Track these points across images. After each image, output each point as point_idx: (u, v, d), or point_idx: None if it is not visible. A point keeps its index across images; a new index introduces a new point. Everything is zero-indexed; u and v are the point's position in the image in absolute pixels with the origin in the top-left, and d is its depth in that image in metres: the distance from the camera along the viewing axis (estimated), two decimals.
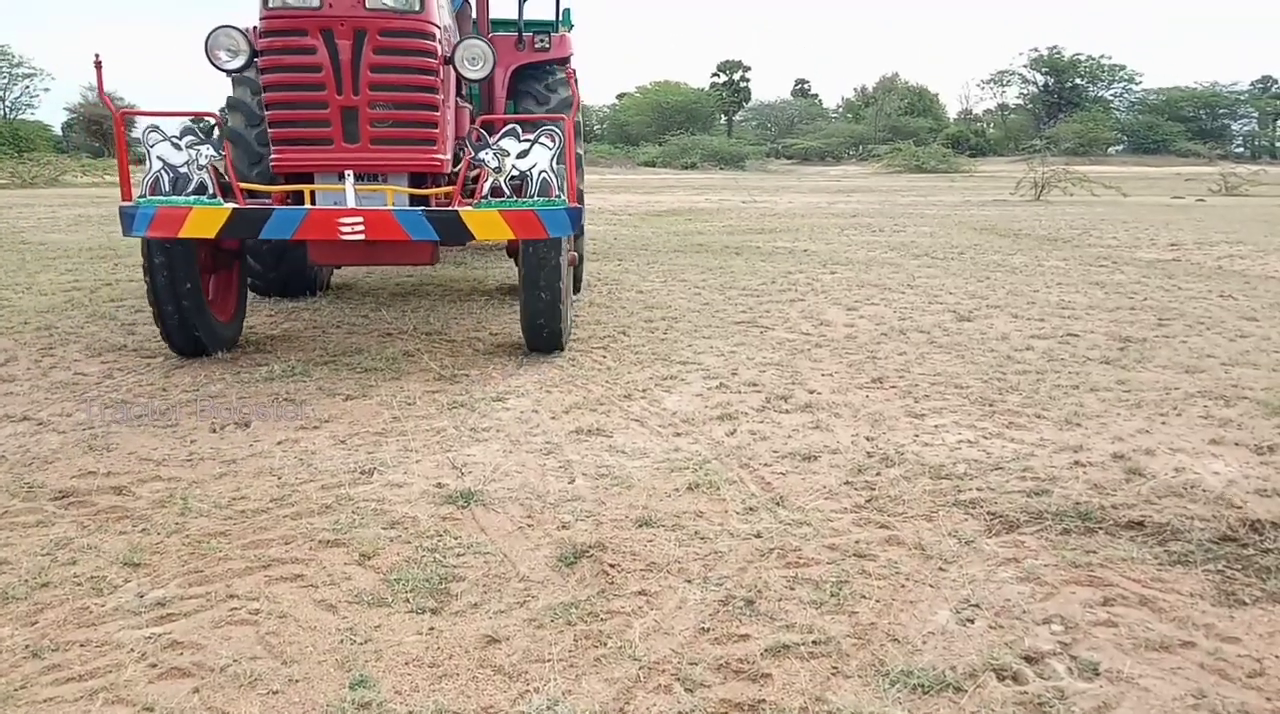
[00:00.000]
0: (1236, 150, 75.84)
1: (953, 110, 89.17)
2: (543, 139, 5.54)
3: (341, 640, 2.68)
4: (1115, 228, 15.93)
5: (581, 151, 8.01)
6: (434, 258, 6.26)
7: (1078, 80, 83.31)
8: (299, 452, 4.27)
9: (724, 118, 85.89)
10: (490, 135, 5.58)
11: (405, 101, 5.64)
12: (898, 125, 73.07)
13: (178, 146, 5.41)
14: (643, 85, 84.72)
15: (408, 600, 2.90)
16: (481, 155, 5.54)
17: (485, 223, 5.43)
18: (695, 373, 5.70)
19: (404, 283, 9.34)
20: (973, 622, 2.80)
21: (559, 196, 5.55)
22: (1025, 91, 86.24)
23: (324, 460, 4.15)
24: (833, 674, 2.53)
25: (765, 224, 16.70)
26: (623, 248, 12.62)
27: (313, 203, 5.60)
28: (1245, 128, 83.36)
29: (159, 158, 5.41)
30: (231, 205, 5.40)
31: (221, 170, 5.54)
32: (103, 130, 62.28)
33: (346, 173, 5.51)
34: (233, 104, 7.25)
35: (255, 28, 5.70)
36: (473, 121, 6.39)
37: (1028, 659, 2.60)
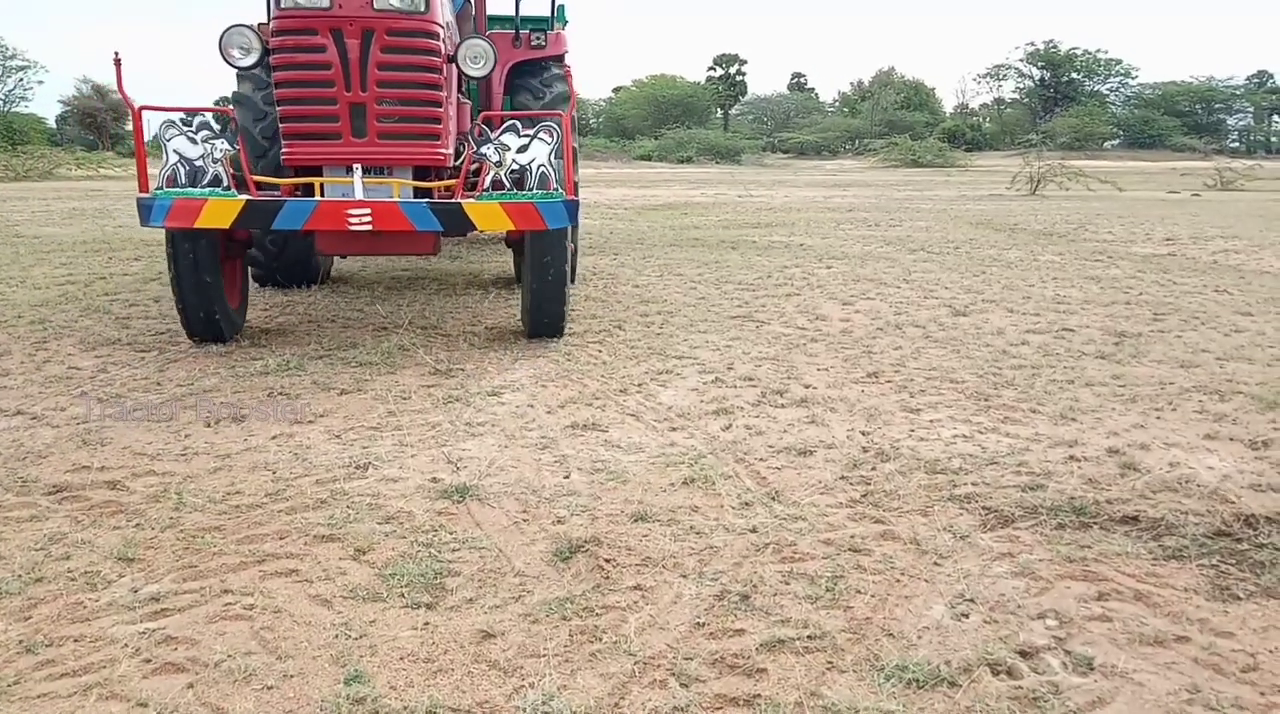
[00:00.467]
0: (1232, 145, 75.99)
1: (949, 105, 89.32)
2: (541, 135, 5.79)
3: (336, 636, 2.68)
4: (1111, 222, 15.94)
5: (577, 145, 8.22)
6: (436, 248, 6.48)
7: (1074, 74, 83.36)
8: (294, 446, 4.26)
9: (720, 112, 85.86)
10: (491, 131, 5.84)
11: (410, 98, 5.91)
12: (894, 119, 73.07)
13: (193, 141, 5.63)
14: (639, 79, 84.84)
15: (403, 595, 2.90)
16: (483, 150, 5.79)
17: (487, 214, 5.64)
18: (691, 367, 5.69)
19: (399, 277, 9.33)
20: (967, 616, 2.80)
21: (557, 190, 5.81)
22: (1021, 86, 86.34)
23: (319, 455, 4.15)
24: (828, 669, 2.53)
25: (761, 218, 16.69)
26: (618, 242, 12.61)
27: (322, 195, 5.84)
28: (1241, 122, 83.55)
29: (175, 152, 5.62)
30: (245, 197, 5.61)
31: (235, 164, 5.78)
32: (96, 123, 62.18)
33: (355, 166, 5.75)
34: (238, 99, 7.42)
35: (262, 24, 6.00)
36: (472, 117, 6.67)
37: (1022, 654, 2.60)
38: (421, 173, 6.24)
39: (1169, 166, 47.88)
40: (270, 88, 6.37)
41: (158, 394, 5.09)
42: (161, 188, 5.61)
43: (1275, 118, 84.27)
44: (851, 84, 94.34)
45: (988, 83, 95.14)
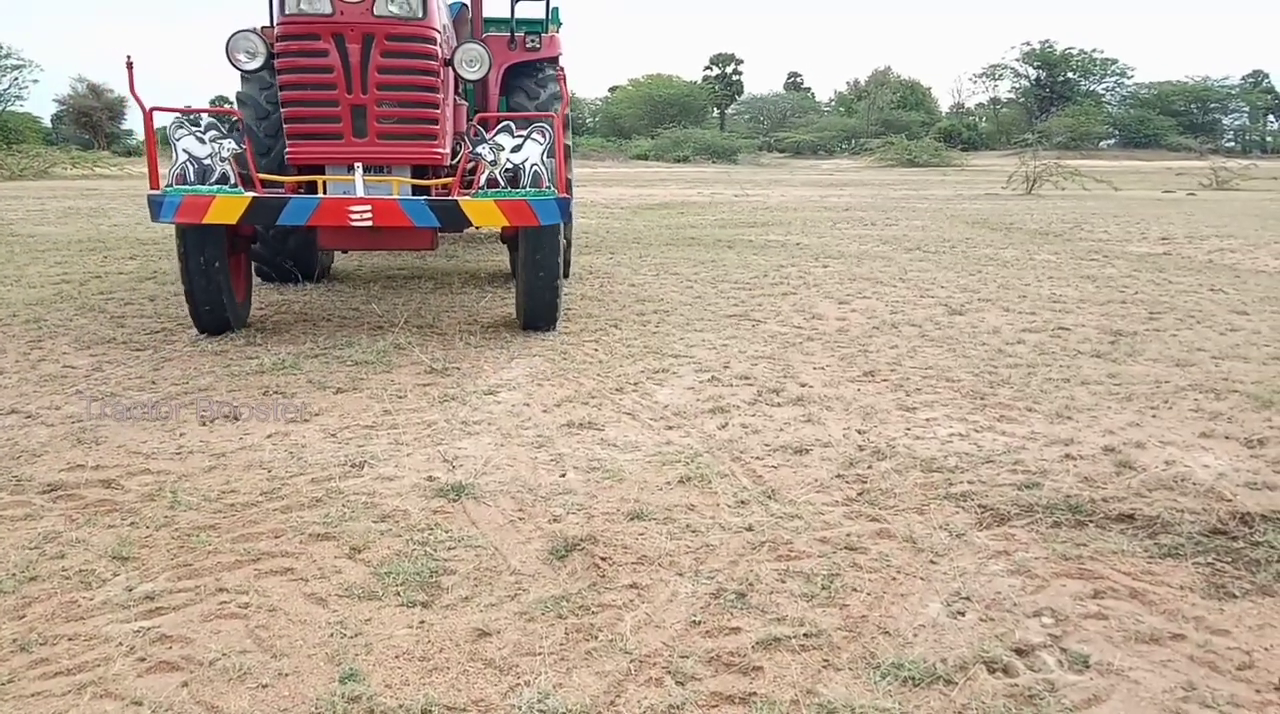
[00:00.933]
0: (1227, 144, 76.13)
1: (945, 104, 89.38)
2: (534, 135, 6.07)
3: (331, 634, 2.67)
4: (1106, 222, 15.95)
5: (569, 143, 8.53)
6: (434, 243, 6.78)
7: (1070, 74, 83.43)
8: (289, 445, 4.25)
9: (716, 111, 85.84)
10: (486, 131, 6.10)
11: (409, 100, 6.18)
12: (890, 119, 73.10)
13: (202, 140, 5.89)
14: (635, 78, 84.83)
15: (398, 594, 2.90)
16: (479, 149, 6.06)
17: (482, 211, 5.90)
18: (687, 366, 5.69)
19: (395, 276, 9.32)
20: (963, 614, 2.80)
21: (549, 188, 6.07)
22: (1017, 85, 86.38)
23: (314, 453, 4.14)
24: (824, 667, 2.53)
25: (757, 217, 16.69)
26: (615, 241, 12.61)
27: (325, 192, 6.09)
28: (1236, 122, 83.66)
29: (185, 150, 5.88)
30: (252, 194, 5.86)
31: (242, 162, 6.03)
32: (92, 122, 62.04)
33: (356, 165, 6.03)
34: (241, 99, 7.61)
35: (265, 28, 6.38)
36: (469, 118, 6.90)
37: (1018, 651, 2.60)
38: (420, 171, 6.48)
39: (1164, 166, 47.94)
40: (273, 89, 6.71)
41: (153, 393, 5.08)
42: (171, 185, 5.86)
43: (1271, 117, 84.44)
44: (848, 83, 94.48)
45: (984, 82, 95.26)
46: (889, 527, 3.41)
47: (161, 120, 6.28)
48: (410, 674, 2.49)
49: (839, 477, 3.90)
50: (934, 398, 5.06)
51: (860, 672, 2.51)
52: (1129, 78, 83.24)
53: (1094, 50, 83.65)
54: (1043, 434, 4.44)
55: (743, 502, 3.63)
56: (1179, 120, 75.96)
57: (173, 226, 5.99)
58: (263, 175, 6.27)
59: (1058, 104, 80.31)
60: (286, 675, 2.47)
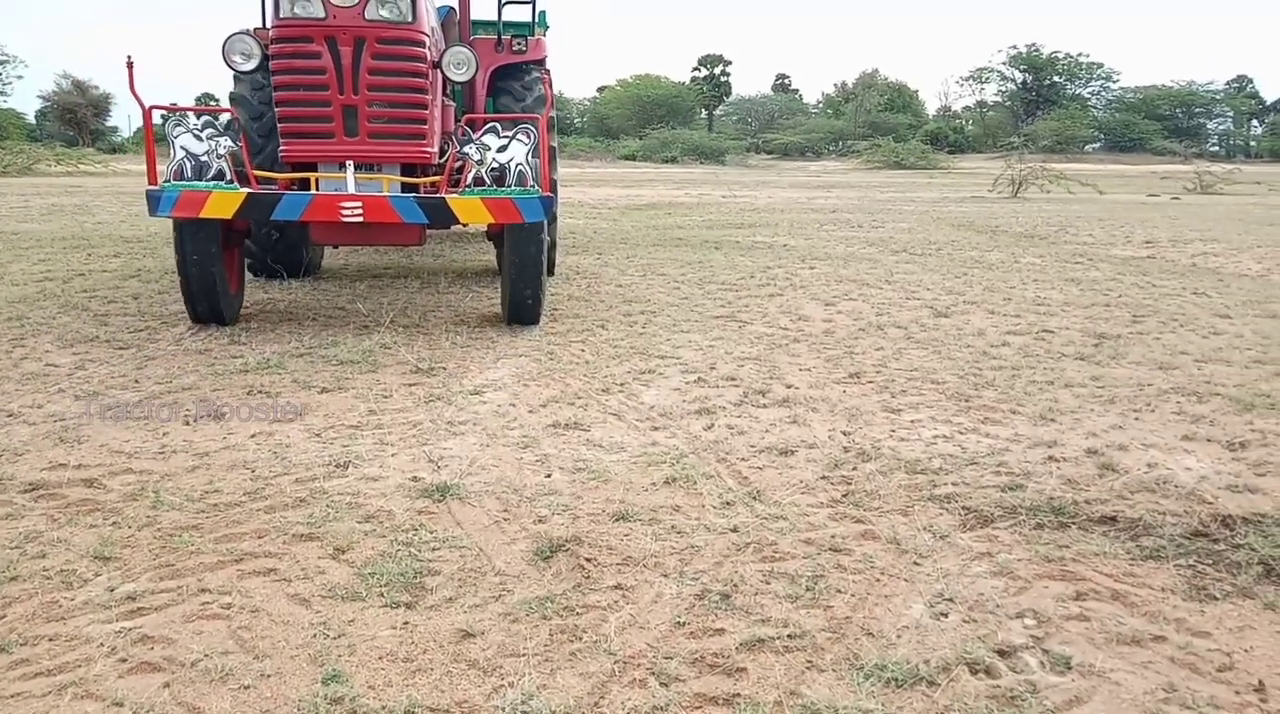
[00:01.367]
0: (1212, 149, 76.51)
1: (932, 107, 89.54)
2: (519, 136, 6.29)
3: (314, 635, 2.66)
4: (1091, 225, 16.04)
5: (555, 144, 8.71)
6: (422, 239, 6.93)
7: (1056, 78, 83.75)
8: (273, 445, 4.23)
9: (704, 112, 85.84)
10: (474, 132, 6.32)
11: (398, 101, 6.39)
12: (877, 121, 73.25)
13: (199, 138, 6.11)
14: (623, 78, 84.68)
15: (382, 595, 2.89)
16: (466, 149, 6.27)
17: (468, 208, 6.17)
18: (673, 367, 5.70)
19: (382, 275, 9.30)
20: (946, 616, 2.81)
21: (533, 186, 6.30)
22: (1004, 89, 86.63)
23: (298, 453, 4.12)
24: (807, 668, 2.53)
25: (745, 219, 16.71)
26: (602, 241, 12.60)
27: (317, 189, 6.35)
28: (1221, 127, 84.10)
29: (182, 148, 6.09)
30: (247, 190, 6.10)
31: (237, 159, 6.25)
32: (76, 119, 61.62)
33: (347, 163, 6.29)
34: (235, 99, 7.81)
35: (259, 29, 6.66)
36: (457, 118, 7.14)
37: (1000, 653, 2.61)
38: (409, 170, 6.69)
39: (1149, 170, 48.18)
40: (265, 88, 6.99)
41: (136, 392, 5.05)
42: (169, 181, 6.08)
43: (1254, 122, 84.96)
44: (835, 86, 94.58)
45: (970, 85, 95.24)
46: (873, 528, 3.42)
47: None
48: (394, 675, 2.48)
49: (824, 478, 3.91)
50: (919, 400, 5.08)
51: (844, 673, 2.51)
52: (1115, 82, 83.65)
53: (1080, 54, 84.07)
54: (1026, 436, 4.46)
55: (728, 503, 3.63)
56: (1164, 125, 76.32)
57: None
58: (257, 172, 6.48)
59: (1044, 107, 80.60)
60: (269, 676, 2.46)
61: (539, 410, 4.81)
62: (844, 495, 3.73)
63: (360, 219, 6.05)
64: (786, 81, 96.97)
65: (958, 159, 60.40)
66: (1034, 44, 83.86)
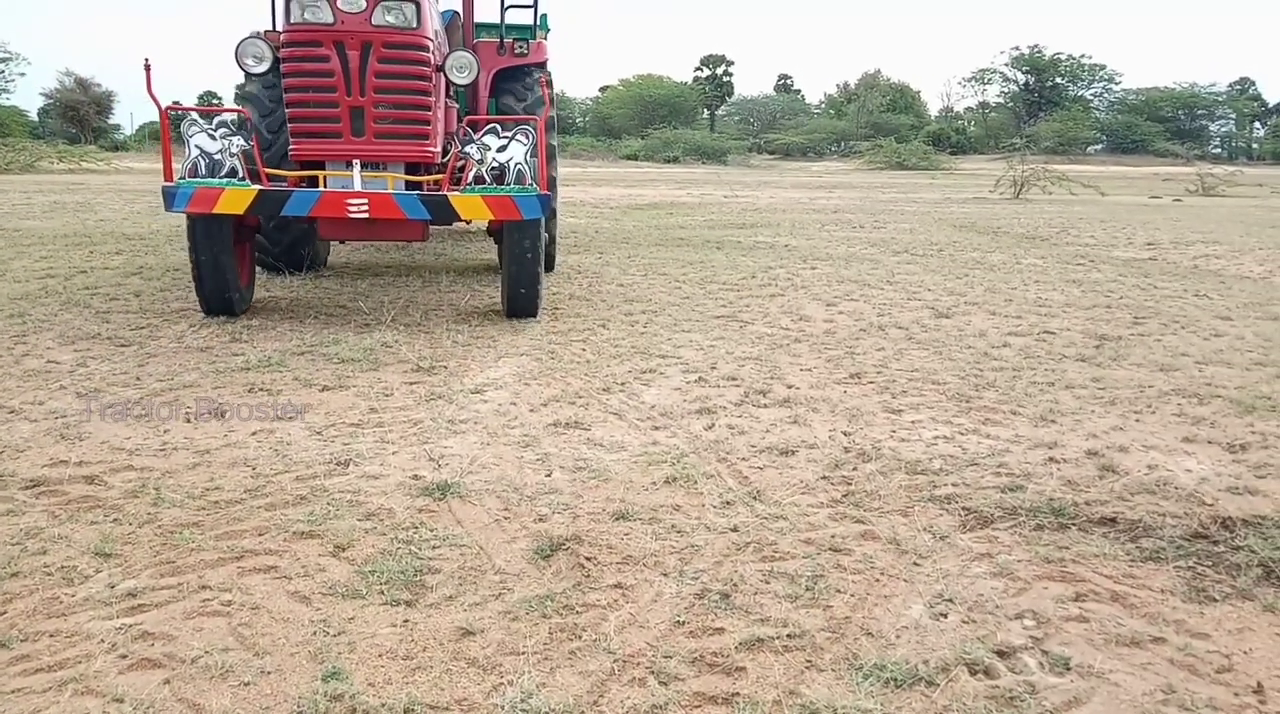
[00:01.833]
0: (1214, 151, 76.50)
1: (934, 108, 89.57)
2: (519, 136, 6.58)
3: (315, 632, 2.66)
4: (1093, 226, 16.03)
5: (555, 142, 9.02)
6: (425, 235, 7.32)
7: (1058, 79, 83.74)
8: (274, 442, 4.24)
9: (706, 112, 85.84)
10: (475, 132, 6.60)
11: (403, 103, 6.66)
12: (879, 122, 73.22)
13: (213, 137, 6.38)
14: (625, 78, 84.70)
15: (382, 592, 2.89)
16: (467, 149, 6.55)
17: (469, 205, 6.45)
18: (674, 367, 5.70)
19: (383, 273, 9.30)
20: (946, 616, 2.81)
21: (532, 185, 6.57)
22: (1006, 90, 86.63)
23: (299, 451, 4.13)
24: (806, 668, 2.54)
25: (746, 219, 16.71)
26: (604, 241, 12.61)
27: (325, 186, 6.60)
28: (1223, 129, 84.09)
29: (197, 146, 6.36)
30: (258, 187, 6.36)
31: (249, 158, 6.53)
32: (79, 116, 61.65)
33: (354, 161, 6.57)
34: (246, 97, 8.07)
35: (269, 32, 7.00)
36: (459, 119, 7.42)
37: (999, 653, 2.61)
38: (413, 168, 6.95)
39: (1151, 172, 48.18)
40: (274, 88, 7.31)
41: (137, 389, 5.05)
42: (184, 177, 6.35)
43: (1257, 124, 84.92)
44: (838, 86, 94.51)
45: (972, 86, 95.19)
46: (873, 528, 3.42)
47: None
48: (393, 673, 2.48)
49: (824, 478, 3.91)
50: (919, 400, 5.08)
51: (843, 673, 2.51)
52: (1117, 83, 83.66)
53: (1082, 56, 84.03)
54: (1027, 437, 4.46)
55: (728, 502, 3.63)
56: (1166, 126, 76.30)
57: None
58: (269, 170, 6.74)
59: (1046, 109, 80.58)
60: (269, 673, 2.46)
61: (540, 409, 4.81)
62: (844, 496, 3.73)
63: (366, 215, 6.33)
64: (789, 82, 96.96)
65: (960, 160, 60.38)
66: (1036, 45, 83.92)
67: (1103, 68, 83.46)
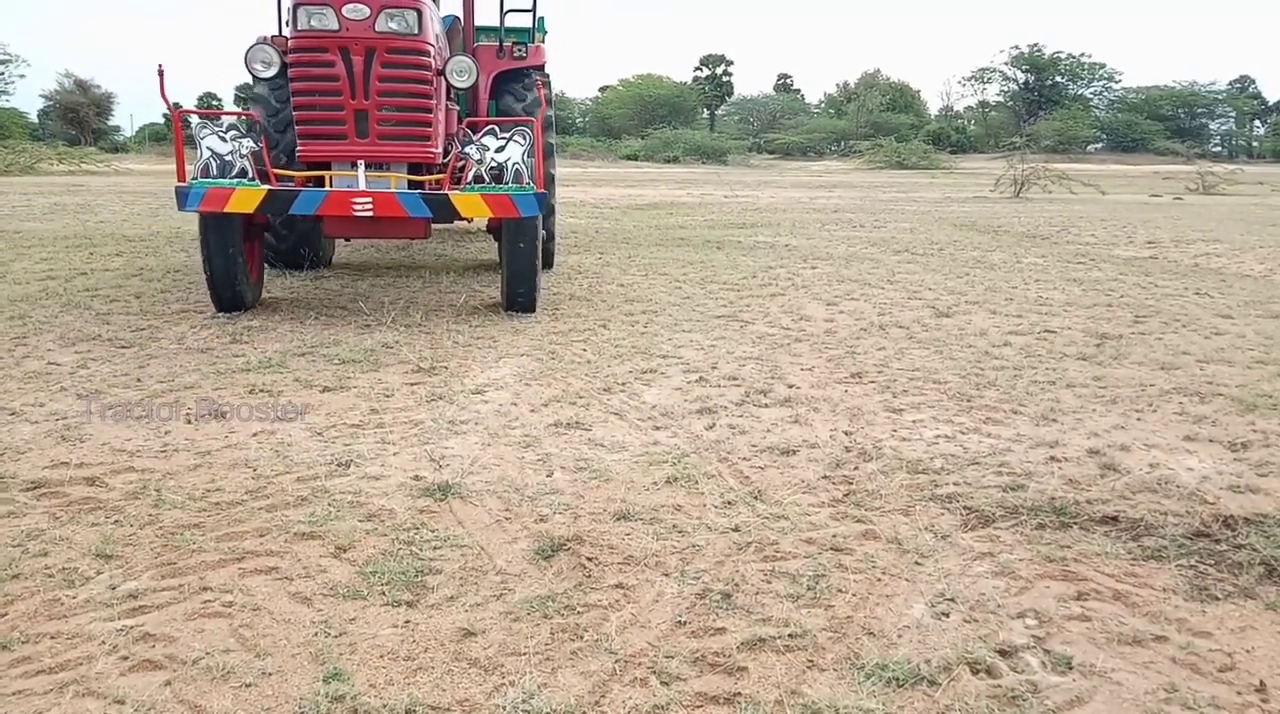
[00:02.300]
0: (1214, 149, 76.46)
1: (934, 107, 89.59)
2: (516, 137, 6.85)
3: (316, 633, 2.66)
4: (1093, 225, 16.03)
5: (553, 140, 9.39)
6: (427, 233, 7.60)
7: (1058, 78, 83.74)
8: (275, 443, 4.24)
9: (706, 112, 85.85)
10: (474, 134, 6.87)
11: (405, 105, 6.91)
12: (879, 121, 73.25)
13: (224, 139, 6.65)
14: (625, 78, 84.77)
15: (383, 593, 2.89)
16: (467, 149, 6.84)
17: (469, 204, 6.73)
18: (675, 367, 5.70)
19: (383, 275, 9.30)
20: (948, 615, 2.81)
21: (529, 184, 6.84)
22: (1006, 89, 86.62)
23: (300, 452, 4.12)
24: (808, 667, 2.53)
25: (747, 219, 16.71)
26: (604, 241, 12.61)
27: (331, 186, 6.87)
28: (1223, 127, 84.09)
29: (209, 148, 6.64)
30: (267, 187, 6.61)
31: (258, 159, 6.75)
32: (79, 118, 61.67)
33: (359, 162, 6.82)
34: (254, 98, 8.40)
35: (276, 37, 7.43)
36: (460, 121, 7.70)
37: (1002, 653, 2.61)
38: (415, 169, 7.20)
39: (1151, 170, 48.14)
40: (280, 89, 7.64)
41: (137, 390, 5.05)
42: (196, 178, 6.59)
43: (1257, 123, 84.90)
44: (837, 85, 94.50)
45: (972, 86, 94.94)
46: (874, 528, 3.41)
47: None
48: (395, 674, 2.48)
49: (825, 478, 3.91)
50: (920, 400, 5.07)
51: (845, 672, 2.51)
52: (1117, 82, 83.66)
53: (1082, 54, 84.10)
54: (1028, 436, 4.45)
55: (729, 502, 3.63)
56: (1166, 125, 76.29)
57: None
58: (277, 171, 6.99)
59: (1046, 108, 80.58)
60: (270, 675, 2.46)
61: (541, 410, 4.81)
62: (845, 495, 3.73)
63: (370, 213, 6.61)
64: (788, 81, 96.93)
65: (960, 159, 60.38)
66: (1036, 44, 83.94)
67: (1102, 66, 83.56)
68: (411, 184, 7.02)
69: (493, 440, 4.32)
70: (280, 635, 2.65)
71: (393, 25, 6.70)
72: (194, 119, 6.93)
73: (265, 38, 7.44)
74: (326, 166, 6.99)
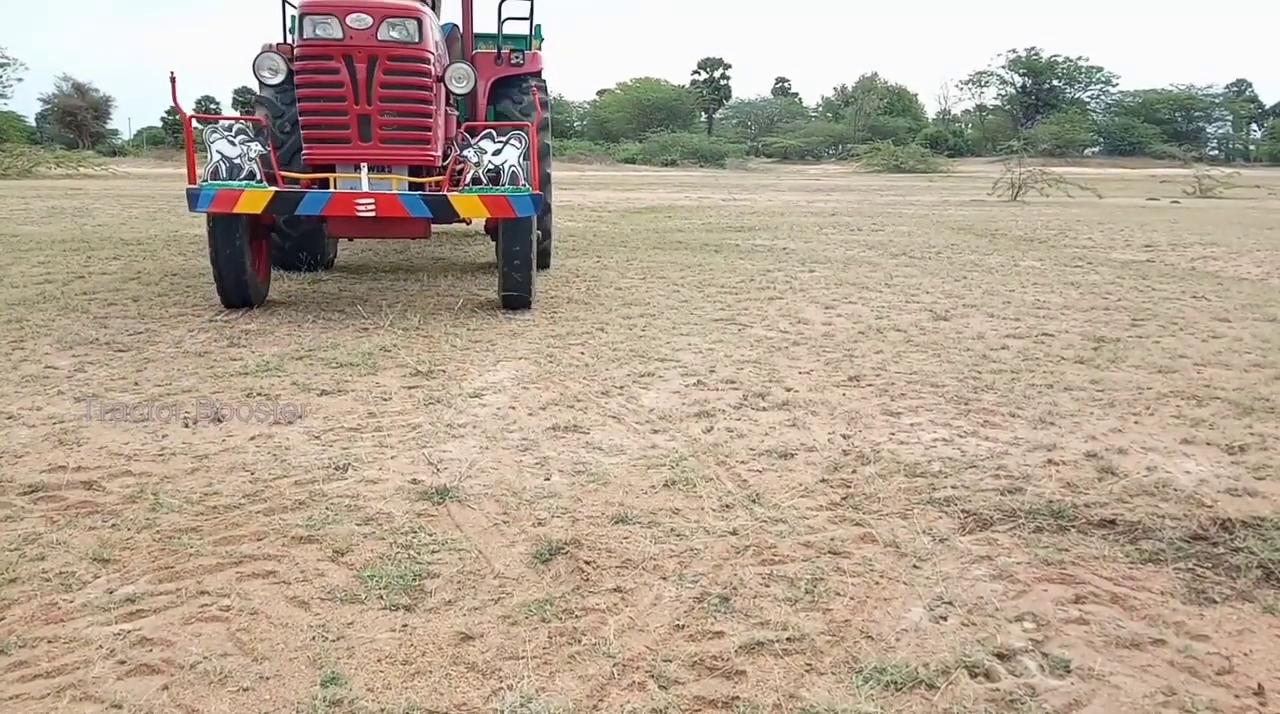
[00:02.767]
0: (1211, 153, 76.57)
1: (931, 110, 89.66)
2: (512, 141, 7.12)
3: (313, 637, 2.66)
4: (1091, 229, 16.05)
5: (549, 141, 9.69)
6: (427, 233, 7.93)
7: (1055, 82, 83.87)
8: (272, 447, 4.23)
9: (704, 115, 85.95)
10: (472, 137, 7.14)
11: (406, 111, 7.20)
12: (877, 125, 73.39)
13: (232, 143, 6.93)
14: (623, 82, 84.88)
15: (381, 597, 2.88)
16: (465, 152, 7.13)
17: (467, 204, 7.02)
18: (673, 370, 5.70)
19: (381, 278, 9.31)
20: (946, 619, 2.81)
21: (525, 185, 7.10)
22: (1003, 92, 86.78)
23: (298, 456, 4.12)
24: (806, 671, 2.53)
25: (744, 222, 16.72)
26: (602, 244, 12.61)
27: (335, 188, 7.12)
28: (1220, 130, 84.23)
29: (218, 152, 6.92)
30: (274, 189, 6.89)
31: (266, 162, 7.03)
32: (77, 122, 61.66)
33: (362, 165, 7.09)
34: (261, 101, 8.65)
35: (280, 45, 7.85)
36: (459, 125, 7.93)
37: (1000, 656, 2.61)
38: (415, 171, 7.48)
39: (1149, 174, 48.25)
40: (285, 92, 7.93)
41: (135, 394, 5.05)
42: (207, 180, 6.85)
43: (1254, 126, 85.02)
44: (835, 89, 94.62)
45: (970, 89, 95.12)
46: (872, 531, 3.41)
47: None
48: (392, 678, 2.48)
49: (823, 481, 3.91)
50: (918, 403, 5.08)
51: (843, 676, 2.51)
52: (1114, 85, 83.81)
53: (1080, 58, 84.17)
54: (1026, 440, 4.46)
55: (727, 506, 3.63)
56: (1163, 128, 76.42)
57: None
58: (284, 173, 7.28)
59: (1043, 111, 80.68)
60: (268, 679, 2.46)
61: (538, 413, 4.81)
62: (843, 498, 3.72)
63: (373, 214, 6.85)
64: (786, 85, 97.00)
65: (957, 163, 60.44)
66: (1033, 48, 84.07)
67: (1100, 70, 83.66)
68: (412, 186, 7.26)
69: (490, 444, 4.32)
70: (278, 639, 2.65)
71: (394, 34, 6.96)
72: (205, 124, 7.20)
73: (271, 46, 7.84)
74: (331, 169, 7.23)
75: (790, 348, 6.36)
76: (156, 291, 8.19)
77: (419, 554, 3.18)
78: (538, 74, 9.73)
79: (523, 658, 2.57)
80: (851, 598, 2.92)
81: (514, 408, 4.88)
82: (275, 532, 3.34)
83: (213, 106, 60.45)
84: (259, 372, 5.50)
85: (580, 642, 2.65)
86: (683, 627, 2.74)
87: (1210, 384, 5.49)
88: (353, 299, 8.00)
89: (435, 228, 8.90)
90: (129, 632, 2.66)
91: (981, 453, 4.26)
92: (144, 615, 2.75)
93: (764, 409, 4.93)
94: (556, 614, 2.80)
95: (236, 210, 6.77)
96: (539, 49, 10.12)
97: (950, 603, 2.90)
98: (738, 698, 2.41)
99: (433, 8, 8.33)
